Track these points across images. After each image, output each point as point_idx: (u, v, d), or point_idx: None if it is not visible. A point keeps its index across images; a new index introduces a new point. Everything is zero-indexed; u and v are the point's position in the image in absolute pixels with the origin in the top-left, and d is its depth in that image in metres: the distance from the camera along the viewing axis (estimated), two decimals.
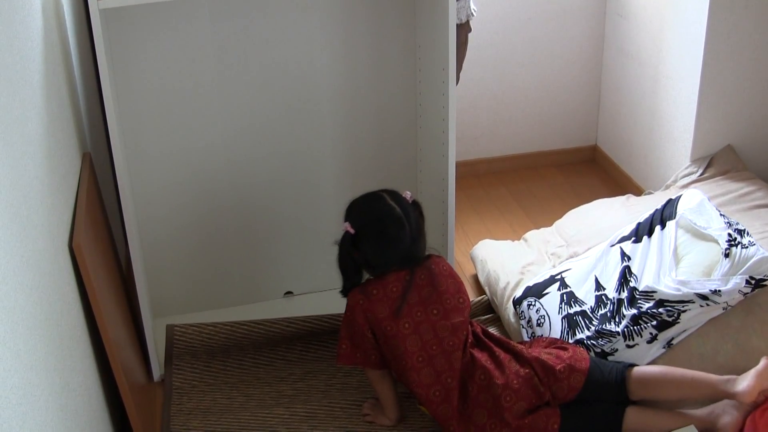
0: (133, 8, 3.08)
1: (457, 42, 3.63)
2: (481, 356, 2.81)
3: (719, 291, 2.83)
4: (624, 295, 3.01)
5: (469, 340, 2.84)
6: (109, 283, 2.81)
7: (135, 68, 3.24)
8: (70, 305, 2.27)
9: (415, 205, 2.90)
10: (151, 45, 3.23)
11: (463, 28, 3.68)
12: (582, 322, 3.07)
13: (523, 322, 3.28)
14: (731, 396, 2.74)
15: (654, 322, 2.89)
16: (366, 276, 2.91)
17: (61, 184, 2.41)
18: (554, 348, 2.93)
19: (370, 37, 3.44)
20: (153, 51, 3.25)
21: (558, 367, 2.78)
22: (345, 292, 2.93)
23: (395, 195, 2.87)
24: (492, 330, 3.42)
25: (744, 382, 2.73)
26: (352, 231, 2.84)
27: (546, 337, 3.11)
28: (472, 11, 3.69)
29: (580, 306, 3.12)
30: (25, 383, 1.64)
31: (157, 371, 3.30)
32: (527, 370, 2.79)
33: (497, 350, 2.85)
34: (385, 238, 2.81)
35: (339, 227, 2.87)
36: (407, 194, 2.88)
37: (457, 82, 3.79)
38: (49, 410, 1.83)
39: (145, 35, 3.21)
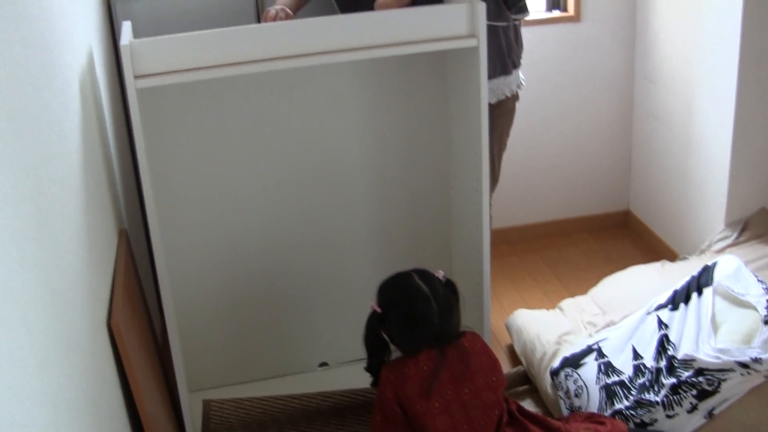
0: (168, 86, 3.10)
1: (508, 110, 3.66)
2: None
3: (760, 359, 2.79)
4: (662, 363, 2.99)
5: (504, 419, 2.80)
6: (146, 359, 2.81)
7: (169, 145, 3.27)
8: (108, 383, 2.27)
9: (448, 284, 2.87)
10: (186, 122, 3.26)
11: (514, 98, 3.70)
12: (620, 392, 3.04)
13: (560, 393, 3.26)
14: None
15: (694, 392, 2.86)
16: (395, 353, 2.90)
17: (99, 262, 2.42)
18: (592, 423, 2.89)
19: (402, 109, 3.45)
20: (187, 128, 3.27)
21: None
22: (370, 368, 2.92)
23: (425, 274, 2.84)
24: (528, 401, 3.41)
25: None
26: (378, 310, 2.83)
27: (583, 412, 3.08)
28: (521, 81, 3.71)
29: (618, 376, 3.10)
30: None
31: None
32: None
33: (533, 428, 2.80)
34: (411, 317, 2.78)
35: (373, 298, 2.87)
36: (440, 273, 2.86)
37: (504, 149, 3.81)
38: None
39: (179, 113, 3.24)
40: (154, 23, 3.60)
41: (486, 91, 3.06)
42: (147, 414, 2.52)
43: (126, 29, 2.89)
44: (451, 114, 3.44)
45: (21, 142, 1.67)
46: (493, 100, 3.51)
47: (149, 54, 2.71)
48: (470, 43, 2.96)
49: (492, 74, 3.42)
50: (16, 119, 1.65)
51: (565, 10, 4.63)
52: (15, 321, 1.44)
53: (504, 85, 3.61)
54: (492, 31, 3.29)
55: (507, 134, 3.82)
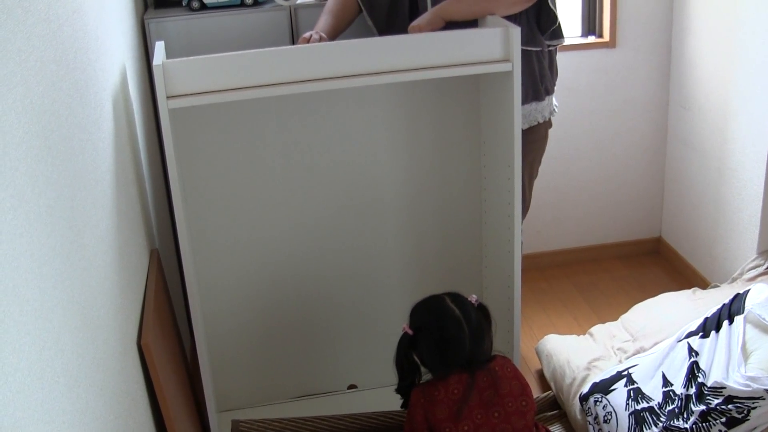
0: (201, 107, 3.12)
1: (540, 137, 3.65)
2: None
3: None
4: (692, 391, 2.97)
5: None
6: (176, 379, 2.82)
7: (202, 165, 3.29)
8: (138, 402, 2.28)
9: (481, 308, 2.86)
10: (218, 143, 3.28)
11: (546, 125, 3.70)
12: (650, 418, 3.03)
13: (590, 418, 3.25)
14: None
15: (723, 419, 2.85)
16: (425, 375, 2.90)
17: (130, 281, 2.44)
18: None
19: (434, 133, 3.46)
20: (219, 149, 3.29)
21: None
22: (400, 390, 2.92)
23: (457, 297, 2.84)
24: (557, 426, 3.40)
25: None
26: (410, 332, 2.83)
27: None
28: (554, 107, 3.70)
29: (648, 402, 3.09)
30: None
31: None
32: None
33: None
34: (443, 340, 2.77)
35: (403, 322, 2.87)
36: (473, 297, 2.86)
37: (536, 176, 3.80)
38: None
39: (211, 134, 3.26)
40: (187, 44, 3.63)
41: (519, 117, 3.06)
42: None
43: (159, 49, 2.91)
44: (484, 139, 3.44)
45: (55, 161, 1.68)
46: (525, 126, 3.51)
47: (182, 74, 2.73)
48: (504, 67, 2.96)
49: (524, 100, 3.41)
50: (50, 138, 1.67)
51: (600, 35, 4.63)
52: (47, 340, 1.46)
53: (536, 111, 3.60)
54: (525, 56, 3.29)
55: (539, 162, 3.81)
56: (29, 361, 1.34)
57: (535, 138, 3.60)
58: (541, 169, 3.96)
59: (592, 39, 4.63)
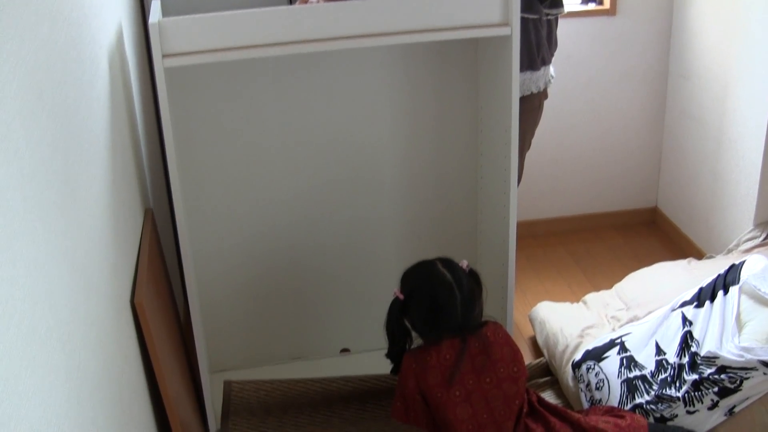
0: (197, 67, 3.11)
1: (533, 107, 3.62)
2: (536, 427, 2.77)
3: None
4: (685, 360, 2.98)
5: (524, 410, 2.80)
6: (169, 339, 2.82)
7: (197, 126, 3.28)
8: (131, 361, 2.28)
9: (472, 274, 2.86)
10: (213, 103, 3.27)
11: (540, 95, 3.68)
12: (642, 386, 3.04)
13: (581, 385, 3.25)
14: None
15: (715, 389, 2.85)
16: (416, 340, 2.90)
17: (124, 240, 2.43)
18: (611, 416, 2.88)
19: (432, 99, 3.45)
20: (214, 109, 3.28)
21: None
22: (390, 355, 2.92)
23: (449, 263, 2.84)
24: (549, 393, 3.41)
25: None
26: (401, 296, 2.83)
27: (603, 405, 3.08)
28: (551, 78, 3.68)
29: (640, 370, 3.09)
30: None
31: (213, 427, 3.30)
32: None
33: (552, 420, 2.79)
34: (434, 305, 2.77)
35: (396, 286, 2.87)
36: (464, 263, 2.86)
37: (528, 148, 3.78)
38: None
39: (207, 94, 3.25)
40: (183, 2, 3.60)
41: (517, 82, 3.05)
42: (168, 392, 2.53)
43: (155, 7, 2.89)
44: (482, 104, 3.43)
45: (49, 117, 1.67)
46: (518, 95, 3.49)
47: (178, 33, 2.71)
48: (503, 31, 2.94)
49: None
50: (45, 94, 1.66)
51: (600, 3, 4.61)
52: (40, 294, 1.45)
53: (530, 81, 3.59)
54: (522, 24, 3.26)
55: (531, 133, 3.79)
56: (22, 316, 1.33)
57: (527, 108, 3.56)
58: (539, 136, 3.95)
59: (592, 6, 4.60)
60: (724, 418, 2.88)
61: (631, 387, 3.07)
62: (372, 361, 3.48)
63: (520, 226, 3.59)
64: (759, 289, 3.00)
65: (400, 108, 3.45)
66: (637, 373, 3.09)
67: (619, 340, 3.27)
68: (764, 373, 2.81)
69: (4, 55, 1.39)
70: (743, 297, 3.04)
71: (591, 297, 3.82)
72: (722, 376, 2.85)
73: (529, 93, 3.59)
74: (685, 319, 3.11)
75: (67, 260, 1.67)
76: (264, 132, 3.36)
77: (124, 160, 2.64)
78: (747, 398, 2.86)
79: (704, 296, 3.14)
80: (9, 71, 1.41)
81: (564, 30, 4.27)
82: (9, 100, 1.40)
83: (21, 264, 1.36)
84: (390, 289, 2.89)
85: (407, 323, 2.86)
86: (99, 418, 1.79)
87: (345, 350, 3.78)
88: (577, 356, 3.34)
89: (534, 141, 3.97)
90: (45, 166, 1.58)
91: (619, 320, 3.51)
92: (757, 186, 3.92)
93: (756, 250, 3.77)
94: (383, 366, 3.02)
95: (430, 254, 2.91)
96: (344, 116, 3.41)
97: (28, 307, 1.38)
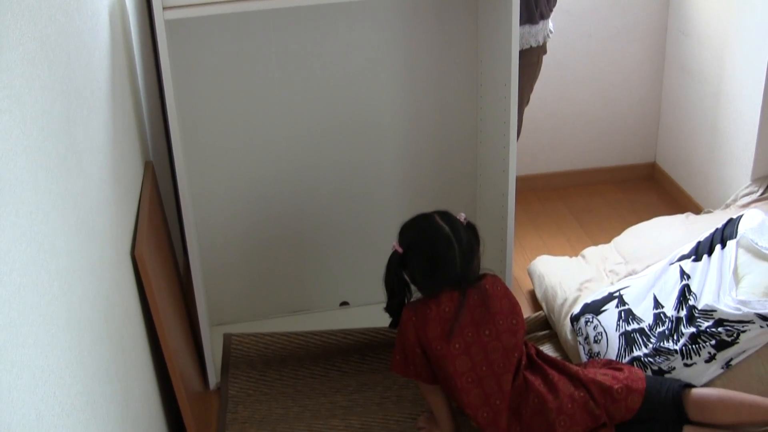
0: (197, 19, 3.10)
1: (532, 62, 3.61)
2: (534, 379, 2.78)
3: None
4: (683, 313, 2.99)
5: (523, 362, 2.81)
6: (169, 291, 2.83)
7: (197, 80, 3.27)
8: (131, 313, 2.29)
9: (470, 227, 2.87)
10: (214, 57, 3.26)
11: (539, 50, 3.67)
12: (640, 339, 3.05)
13: (580, 338, 3.27)
14: None
15: (713, 342, 2.87)
16: (415, 296, 2.91)
17: (125, 192, 2.43)
18: (609, 369, 2.90)
19: (432, 50, 3.44)
20: (215, 63, 3.27)
21: (616, 387, 2.76)
22: (389, 309, 2.94)
23: (447, 216, 2.85)
24: (547, 346, 3.42)
25: None
26: (400, 250, 2.84)
27: (601, 358, 3.09)
28: (549, 32, 3.67)
29: (638, 323, 3.10)
30: (88, 391, 1.66)
31: (213, 379, 3.31)
32: (582, 393, 2.76)
33: (551, 372, 2.81)
34: (433, 257, 2.79)
35: (395, 239, 2.88)
36: (462, 216, 2.86)
37: (527, 103, 3.78)
38: (111, 417, 1.85)
39: (208, 47, 3.24)
40: None
41: (517, 35, 3.04)
42: (169, 345, 2.54)
43: None
44: (482, 58, 3.43)
45: (51, 66, 1.68)
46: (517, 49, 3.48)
47: None
48: None
49: None
50: (47, 43, 1.66)
51: None
52: (43, 243, 1.46)
53: (529, 35, 3.58)
54: None
55: (530, 88, 3.79)
56: (25, 262, 1.34)
57: (525, 62, 3.55)
58: (538, 91, 3.95)
59: None
60: (722, 371, 2.89)
61: (629, 340, 3.08)
62: (371, 314, 3.50)
63: (519, 180, 3.59)
64: (756, 243, 3.00)
65: (401, 60, 3.44)
66: (635, 326, 3.10)
67: (617, 294, 3.27)
68: (761, 326, 2.82)
69: (6, 3, 1.39)
70: (740, 251, 3.04)
71: (589, 251, 3.83)
72: (719, 329, 2.86)
73: (527, 47, 3.58)
74: (683, 273, 3.12)
75: (68, 210, 1.68)
76: (264, 83, 3.35)
77: (124, 113, 2.64)
78: (744, 351, 2.87)
79: (702, 250, 3.15)
80: (11, 19, 1.42)
81: None
82: (11, 47, 1.40)
83: (24, 212, 1.37)
84: (389, 241, 2.90)
85: (406, 276, 2.87)
86: (100, 369, 1.80)
87: (344, 303, 3.79)
88: (576, 310, 3.35)
89: (533, 96, 3.97)
90: (46, 115, 1.59)
91: (618, 274, 3.52)
92: (754, 141, 3.92)
93: (753, 204, 3.77)
94: (382, 320, 3.03)
95: (430, 207, 2.91)
96: (345, 67, 3.40)
97: (31, 255, 1.38)
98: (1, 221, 1.24)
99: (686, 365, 2.91)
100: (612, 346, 3.11)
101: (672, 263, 3.21)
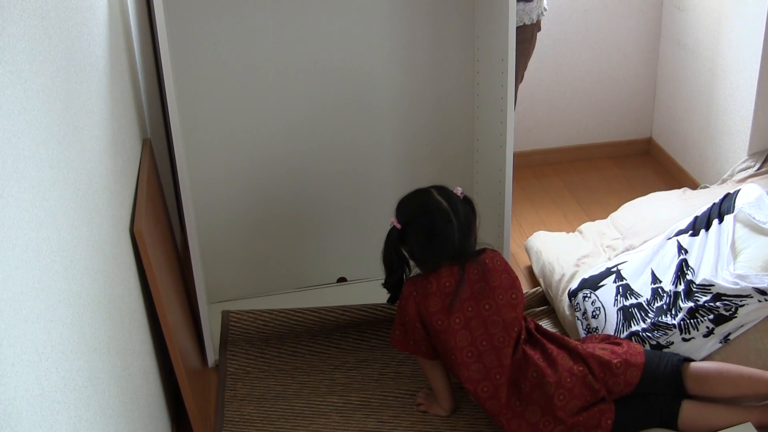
0: None
1: (525, 39, 3.60)
2: (533, 353, 2.79)
3: None
4: (681, 288, 2.99)
5: (522, 337, 2.82)
6: (167, 268, 2.83)
7: (194, 56, 3.26)
8: (131, 290, 2.30)
9: (466, 201, 2.88)
10: (211, 33, 3.25)
11: (533, 27, 3.66)
12: (638, 314, 3.06)
13: (578, 314, 3.27)
14: None
15: (711, 316, 2.87)
16: (414, 272, 2.91)
17: (124, 169, 2.43)
18: (608, 344, 2.90)
19: (429, 27, 3.43)
20: (213, 39, 3.26)
21: (615, 362, 2.76)
22: (387, 285, 2.94)
23: (444, 190, 2.85)
24: (546, 322, 3.43)
25: None
26: (398, 225, 2.85)
27: (599, 333, 3.09)
28: (544, 9, 3.67)
29: (636, 298, 3.11)
30: (89, 366, 1.66)
31: (211, 357, 3.32)
32: (581, 368, 2.76)
33: (550, 347, 2.82)
34: (431, 232, 2.80)
35: (393, 215, 2.88)
36: (458, 190, 2.87)
37: (521, 80, 3.77)
38: (111, 393, 1.85)
39: (205, 22, 3.23)
40: None
41: (514, 10, 3.04)
42: (168, 321, 2.55)
43: None
44: (478, 33, 3.42)
45: (51, 42, 1.67)
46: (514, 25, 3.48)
47: None
48: None
49: None
50: (47, 18, 1.66)
51: None
52: (44, 218, 1.46)
53: (523, 12, 3.57)
54: None
55: (524, 65, 3.79)
56: (26, 238, 1.34)
57: (520, 39, 3.53)
58: (534, 67, 3.95)
59: None
60: (720, 345, 2.90)
61: (627, 315, 3.08)
62: (369, 290, 3.50)
63: (516, 156, 3.59)
64: (753, 218, 3.01)
65: (398, 35, 3.44)
66: (633, 301, 3.11)
67: (615, 269, 3.28)
68: (759, 301, 2.82)
69: None
70: (738, 225, 3.05)
71: (586, 226, 3.83)
72: (717, 303, 2.87)
73: (521, 24, 3.58)
74: (680, 248, 3.12)
75: (69, 185, 1.68)
76: (262, 59, 3.34)
77: (122, 89, 2.63)
78: (742, 325, 2.88)
79: (699, 225, 3.15)
80: None
81: None
82: (13, 22, 1.39)
83: (26, 186, 1.37)
84: (386, 217, 2.90)
85: (405, 252, 2.88)
86: (101, 345, 1.81)
87: (342, 279, 3.79)
88: (574, 285, 3.35)
89: (529, 72, 3.97)
90: (47, 91, 1.59)
91: (615, 249, 3.52)
92: (751, 116, 3.92)
93: (750, 179, 3.77)
94: (380, 296, 3.04)
95: (427, 183, 2.92)
96: (342, 43, 3.40)
97: (33, 229, 1.38)
98: (3, 196, 1.24)
99: (684, 340, 2.92)
100: (610, 321, 3.11)
101: (669, 238, 3.21)
